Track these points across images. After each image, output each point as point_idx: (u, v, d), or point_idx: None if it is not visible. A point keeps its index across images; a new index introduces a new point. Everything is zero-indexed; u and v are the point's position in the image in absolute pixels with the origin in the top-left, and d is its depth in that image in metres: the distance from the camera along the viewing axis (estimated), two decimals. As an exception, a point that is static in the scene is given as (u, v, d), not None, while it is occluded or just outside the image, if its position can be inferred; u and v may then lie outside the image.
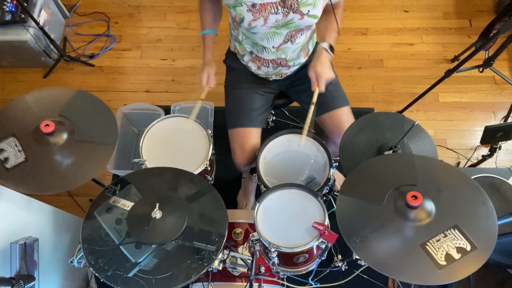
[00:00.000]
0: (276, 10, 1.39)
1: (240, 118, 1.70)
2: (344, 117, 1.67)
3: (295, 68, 1.69)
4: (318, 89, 1.47)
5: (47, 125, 1.29)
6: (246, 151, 1.69)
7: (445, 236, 1.10)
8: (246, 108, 1.70)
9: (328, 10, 1.51)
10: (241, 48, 1.64)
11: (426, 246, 1.09)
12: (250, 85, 1.73)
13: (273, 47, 1.53)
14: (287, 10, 1.39)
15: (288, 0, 1.37)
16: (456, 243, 1.09)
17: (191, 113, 1.64)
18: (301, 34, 1.52)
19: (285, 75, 1.72)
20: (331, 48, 1.51)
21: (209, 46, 1.61)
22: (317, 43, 1.74)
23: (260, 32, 1.46)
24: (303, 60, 1.68)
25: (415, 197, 1.11)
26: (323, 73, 1.45)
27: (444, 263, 1.06)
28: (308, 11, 1.40)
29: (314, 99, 1.46)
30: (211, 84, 1.59)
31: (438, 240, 1.09)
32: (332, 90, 1.68)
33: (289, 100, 1.90)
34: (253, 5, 1.37)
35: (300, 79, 1.73)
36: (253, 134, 1.70)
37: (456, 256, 1.07)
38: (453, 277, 1.06)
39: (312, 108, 1.46)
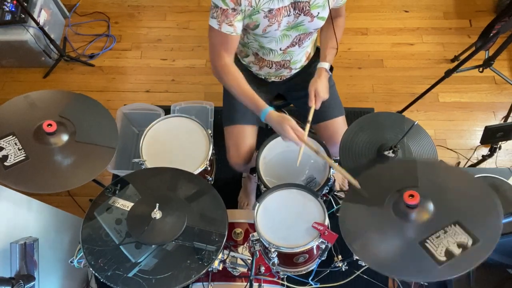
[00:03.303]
0: (288, 12, 1.39)
1: (235, 116, 1.69)
2: (339, 128, 1.69)
3: (296, 71, 1.70)
4: (314, 106, 1.52)
5: (49, 124, 1.29)
6: (241, 150, 1.67)
7: (445, 232, 1.09)
8: (242, 105, 1.70)
9: (329, 23, 1.52)
10: (245, 49, 1.63)
11: (426, 243, 1.08)
12: (249, 83, 1.73)
13: (280, 49, 1.53)
14: (299, 12, 1.40)
15: (300, 2, 1.37)
16: (456, 238, 1.08)
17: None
18: (309, 38, 1.53)
19: (285, 78, 1.72)
20: (331, 68, 1.58)
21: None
22: (317, 47, 1.75)
23: (272, 36, 1.46)
24: (304, 63, 1.69)
25: (412, 195, 1.11)
26: (322, 93, 1.52)
27: (444, 258, 1.06)
28: (318, 13, 1.41)
29: (310, 117, 1.51)
30: (303, 135, 1.38)
31: (437, 237, 1.09)
32: (329, 99, 1.69)
33: (287, 102, 1.90)
34: (270, 11, 1.36)
35: (299, 84, 1.73)
36: (248, 132, 1.69)
37: (457, 251, 1.06)
38: (454, 273, 1.05)
39: (307, 126, 1.48)
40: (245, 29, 1.47)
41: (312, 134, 1.59)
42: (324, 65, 1.56)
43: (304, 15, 1.41)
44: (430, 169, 1.26)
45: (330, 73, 1.58)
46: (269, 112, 1.41)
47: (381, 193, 1.20)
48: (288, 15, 1.40)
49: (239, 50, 1.69)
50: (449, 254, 1.07)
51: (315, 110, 1.53)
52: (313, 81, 1.54)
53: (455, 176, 1.25)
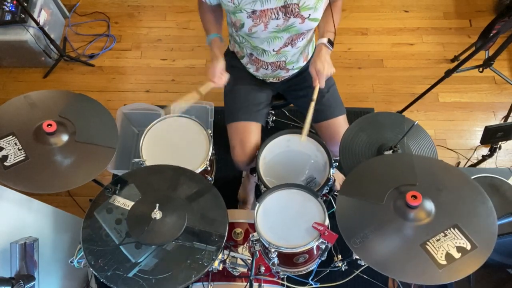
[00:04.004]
0: (276, 15, 1.38)
1: (239, 112, 1.69)
2: (340, 127, 1.68)
3: (294, 71, 1.69)
4: (318, 85, 1.46)
5: (49, 124, 1.29)
6: (246, 148, 1.67)
7: (445, 235, 1.10)
8: (245, 102, 1.70)
9: (327, 10, 1.51)
10: (241, 49, 1.64)
11: (426, 246, 1.09)
12: (249, 82, 1.74)
13: (273, 50, 1.53)
14: (288, 15, 1.39)
15: (289, 5, 1.36)
16: (456, 243, 1.09)
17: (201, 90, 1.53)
18: (302, 39, 1.52)
19: (283, 78, 1.72)
20: (330, 42, 1.49)
21: (217, 44, 1.52)
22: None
23: (261, 37, 1.46)
24: (302, 64, 1.68)
25: (414, 196, 1.11)
26: (323, 69, 1.44)
27: (444, 262, 1.06)
28: (309, 15, 1.40)
29: (314, 96, 1.46)
30: (218, 80, 1.48)
31: (438, 240, 1.09)
32: (329, 98, 1.69)
33: (287, 102, 1.90)
34: (253, 12, 1.37)
35: (299, 84, 1.73)
36: (253, 129, 1.69)
37: (456, 255, 1.07)
38: (454, 277, 1.06)
39: (312, 105, 1.45)
40: (235, 28, 1.48)
41: (313, 133, 1.59)
42: (322, 40, 1.47)
43: (294, 17, 1.40)
44: (427, 165, 1.26)
45: (330, 48, 1.48)
46: (213, 39, 1.51)
47: (380, 189, 1.20)
48: (277, 18, 1.39)
49: (236, 51, 1.69)
50: (449, 258, 1.07)
51: (316, 109, 1.51)
52: (313, 61, 1.47)
53: (451, 174, 1.25)
